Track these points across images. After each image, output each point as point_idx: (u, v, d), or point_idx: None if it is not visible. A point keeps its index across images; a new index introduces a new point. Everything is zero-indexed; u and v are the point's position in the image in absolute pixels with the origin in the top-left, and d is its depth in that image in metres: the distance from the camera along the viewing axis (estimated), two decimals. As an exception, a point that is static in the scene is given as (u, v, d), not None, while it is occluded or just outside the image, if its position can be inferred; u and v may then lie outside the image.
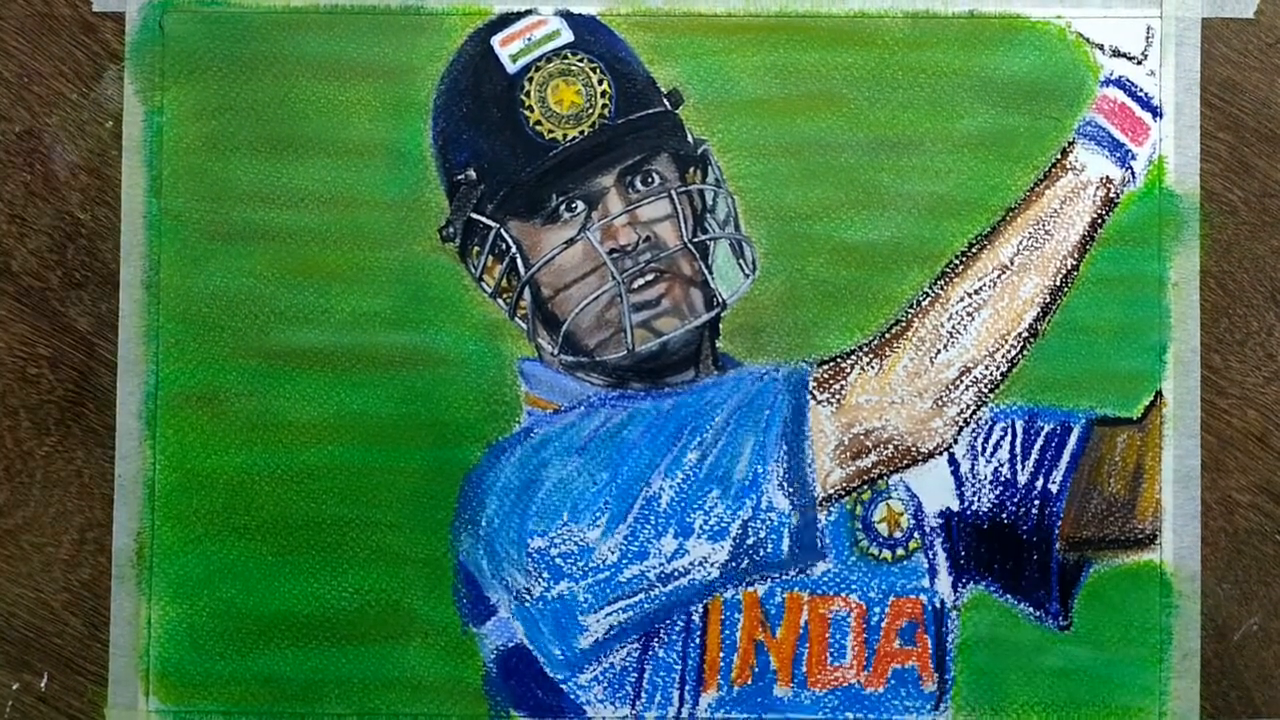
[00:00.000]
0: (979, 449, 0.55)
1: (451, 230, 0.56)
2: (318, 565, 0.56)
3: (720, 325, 0.56)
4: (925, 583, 0.55)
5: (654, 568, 0.54)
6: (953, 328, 0.54)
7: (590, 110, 0.55)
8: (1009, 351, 0.54)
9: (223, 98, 0.56)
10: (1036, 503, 0.55)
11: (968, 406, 0.54)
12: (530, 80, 0.55)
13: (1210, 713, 0.55)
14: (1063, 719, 0.55)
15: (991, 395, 0.55)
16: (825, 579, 0.55)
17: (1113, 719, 0.55)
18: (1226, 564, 0.56)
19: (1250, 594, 0.56)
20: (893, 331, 0.55)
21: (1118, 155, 0.55)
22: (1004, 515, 0.55)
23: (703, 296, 0.56)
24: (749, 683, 0.55)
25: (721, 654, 0.55)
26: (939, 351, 0.54)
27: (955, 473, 0.55)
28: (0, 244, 0.56)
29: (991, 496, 0.55)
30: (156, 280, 0.56)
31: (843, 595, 0.55)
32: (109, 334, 0.56)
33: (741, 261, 0.56)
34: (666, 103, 0.56)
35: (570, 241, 0.55)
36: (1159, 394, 0.55)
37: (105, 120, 0.56)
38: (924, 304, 0.55)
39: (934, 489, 0.55)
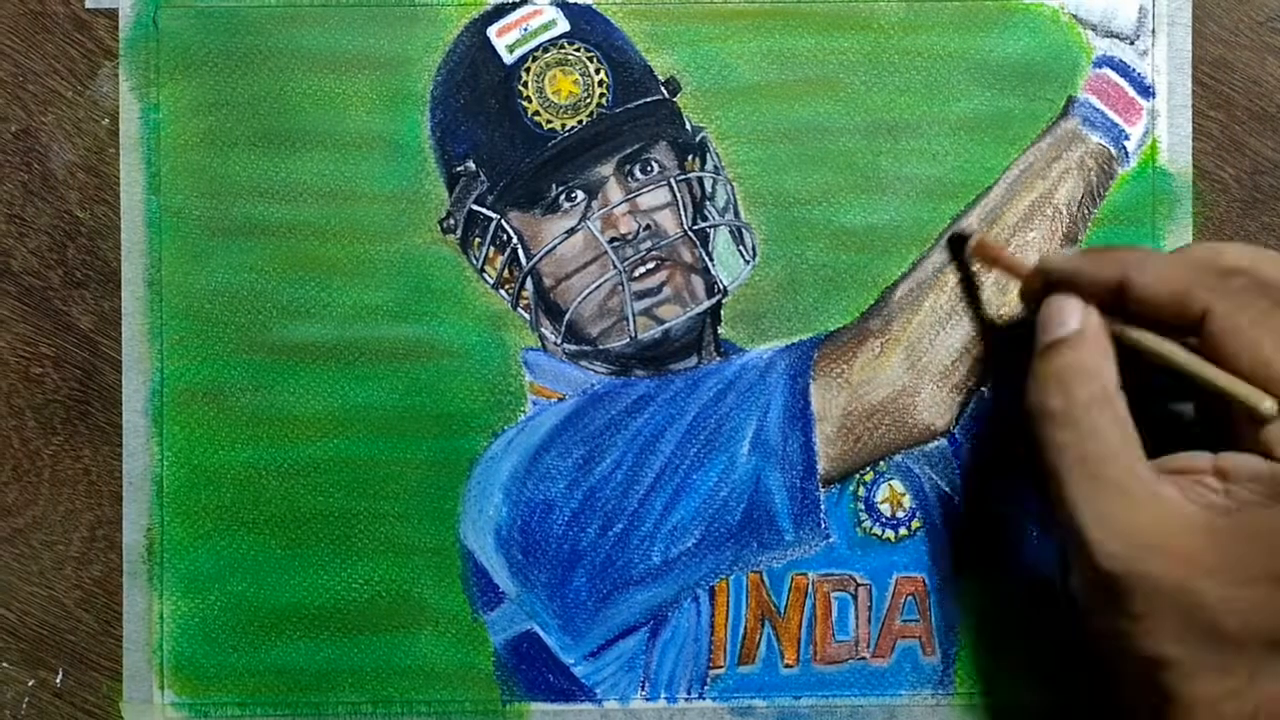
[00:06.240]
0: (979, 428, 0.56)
1: (452, 222, 0.56)
2: (327, 557, 0.56)
3: (722, 312, 0.56)
4: (928, 561, 0.56)
5: (660, 552, 0.55)
6: (952, 308, 0.55)
7: (588, 100, 0.55)
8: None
9: (219, 93, 0.56)
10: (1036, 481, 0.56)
11: (969, 386, 0.55)
12: (527, 70, 0.55)
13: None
14: (1064, 688, 0.56)
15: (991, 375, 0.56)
16: (829, 559, 0.56)
17: (1113, 688, 0.56)
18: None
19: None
20: (893, 311, 0.55)
21: (1111, 135, 0.56)
22: (1005, 493, 0.56)
23: (704, 283, 0.56)
24: (756, 662, 0.56)
25: (728, 635, 0.56)
26: (940, 332, 0.55)
27: (957, 452, 0.56)
28: None
29: (992, 475, 0.56)
30: (158, 277, 0.56)
31: (847, 574, 0.56)
32: (112, 332, 0.56)
33: (741, 248, 0.56)
34: (664, 91, 0.56)
35: (571, 231, 0.56)
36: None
37: (101, 118, 0.56)
38: (925, 284, 0.55)
39: (936, 469, 0.56)
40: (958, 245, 0.54)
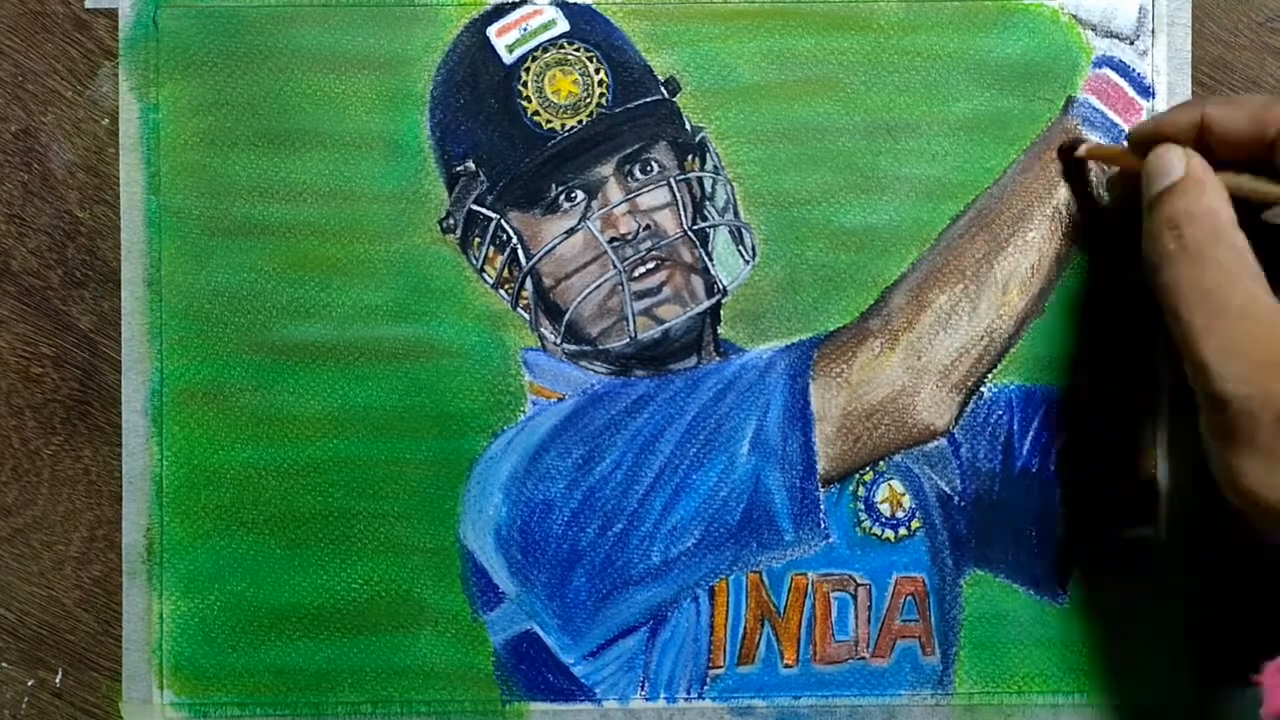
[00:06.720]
0: (979, 428, 0.56)
1: (452, 222, 0.56)
2: (327, 557, 0.56)
3: (721, 312, 0.56)
4: (928, 561, 0.56)
5: (660, 552, 0.55)
6: (952, 308, 0.55)
7: (588, 100, 0.55)
8: (1008, 330, 0.55)
9: (218, 93, 0.56)
10: (1035, 480, 0.56)
11: (969, 386, 0.55)
12: (527, 70, 0.55)
13: (1205, 679, 0.56)
14: (1062, 688, 0.56)
15: (990, 375, 0.56)
16: (829, 559, 0.56)
17: (1111, 686, 0.56)
18: (1220, 533, 0.57)
19: (1244, 562, 0.57)
20: (893, 311, 0.55)
21: (1111, 135, 0.56)
22: (1003, 493, 0.56)
23: (703, 283, 0.56)
24: (756, 662, 0.56)
25: (728, 635, 0.56)
26: (939, 332, 0.55)
27: (956, 452, 0.56)
28: (-1, 244, 0.56)
29: (991, 475, 0.56)
30: (158, 277, 0.56)
31: (847, 574, 0.56)
32: (112, 332, 0.56)
33: (741, 248, 0.56)
34: (664, 91, 0.56)
35: (571, 231, 0.56)
36: (1155, 370, 0.56)
37: (101, 118, 0.56)
38: (924, 284, 0.55)
39: (935, 469, 0.56)
40: (1068, 152, 0.55)
